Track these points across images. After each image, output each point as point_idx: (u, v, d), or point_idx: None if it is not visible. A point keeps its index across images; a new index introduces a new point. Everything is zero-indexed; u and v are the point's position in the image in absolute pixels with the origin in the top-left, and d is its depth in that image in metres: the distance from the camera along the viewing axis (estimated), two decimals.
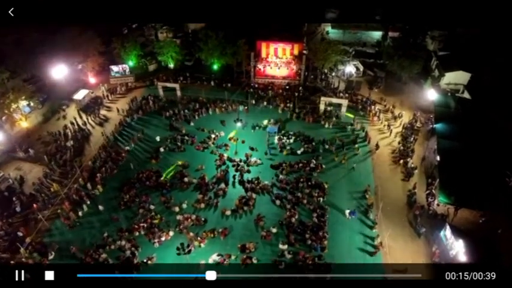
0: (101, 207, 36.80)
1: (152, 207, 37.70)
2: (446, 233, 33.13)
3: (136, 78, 57.94)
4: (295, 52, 59.68)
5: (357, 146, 45.27)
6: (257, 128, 48.43)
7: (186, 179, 40.70)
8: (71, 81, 54.26)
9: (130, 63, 59.33)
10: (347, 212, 37.66)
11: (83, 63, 55.22)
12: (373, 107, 51.16)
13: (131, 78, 57.19)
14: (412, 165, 41.67)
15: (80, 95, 51.50)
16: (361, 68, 58.83)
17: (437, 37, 63.01)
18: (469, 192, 35.58)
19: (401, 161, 42.85)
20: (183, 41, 66.09)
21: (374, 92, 55.37)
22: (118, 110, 50.65)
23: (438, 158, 38.80)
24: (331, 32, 71.29)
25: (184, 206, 37.79)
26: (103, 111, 51.68)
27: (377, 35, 70.66)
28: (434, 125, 44.39)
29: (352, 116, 49.90)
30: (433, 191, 38.57)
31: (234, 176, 41.39)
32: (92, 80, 57.00)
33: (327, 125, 48.88)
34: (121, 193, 38.98)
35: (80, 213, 36.40)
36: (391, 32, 66.81)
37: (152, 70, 60.53)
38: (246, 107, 51.31)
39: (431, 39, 63.39)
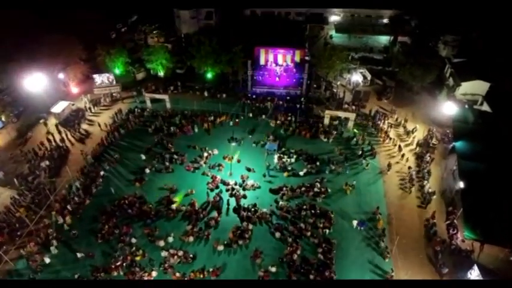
0: (79, 255, 31.69)
1: (134, 240, 33.37)
2: (474, 276, 28.70)
3: (122, 88, 53.60)
4: (297, 59, 55.61)
5: (365, 161, 40.99)
6: (254, 144, 44.06)
7: (173, 206, 36.35)
8: (51, 92, 49.84)
9: (117, 71, 55.08)
10: (355, 222, 34.34)
11: (64, 72, 50.82)
12: (383, 121, 46.75)
13: (117, 88, 52.84)
14: (430, 190, 37.25)
15: (59, 107, 47.12)
16: (369, 76, 54.50)
17: (450, 42, 58.75)
18: (497, 225, 31.30)
19: (417, 185, 38.45)
20: (175, 46, 61.90)
21: (383, 103, 51.04)
22: (100, 125, 46.20)
23: (461, 184, 34.34)
24: (335, 36, 67.01)
25: (171, 239, 33.42)
26: (84, 126, 47.33)
27: (384, 39, 66.39)
28: (454, 143, 40.01)
29: (357, 132, 45.45)
30: (455, 221, 34.17)
31: (228, 202, 36.97)
32: (74, 90, 52.66)
33: (326, 140, 44.59)
34: (99, 224, 34.58)
35: (47, 259, 31.49)
36: (400, 36, 62.56)
37: (140, 79, 56.11)
38: (237, 120, 46.90)
39: (443, 44, 59.17)
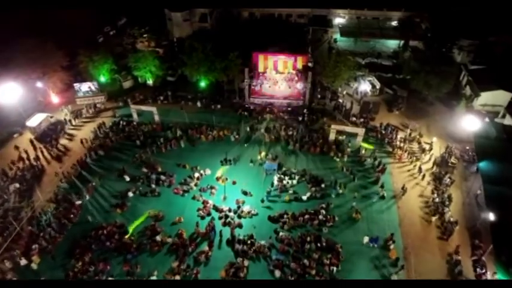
0: None
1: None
2: None
3: (108, 98, 49.56)
4: (299, 66, 51.53)
5: (379, 188, 36.71)
6: (251, 163, 39.91)
7: (158, 238, 32.21)
8: (27, 103, 45.75)
9: (102, 79, 50.95)
10: (366, 239, 31.69)
11: (42, 80, 46.70)
12: (395, 136, 42.65)
13: (101, 98, 48.80)
14: (452, 219, 33.06)
15: (35, 120, 43.06)
16: (378, 85, 50.37)
17: (466, 47, 54.66)
18: None
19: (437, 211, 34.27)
20: (166, 51, 57.95)
21: (394, 115, 46.93)
22: (82, 142, 42.03)
23: (490, 214, 30.20)
24: (339, 40, 62.94)
25: (154, 278, 29.19)
26: (63, 140, 43.21)
27: (393, 43, 62.28)
28: (478, 164, 35.93)
29: (370, 147, 41.32)
30: (483, 257, 29.95)
31: (220, 233, 32.77)
32: (54, 100, 48.59)
33: (338, 159, 40.30)
34: (71, 259, 30.43)
35: None
36: (411, 40, 58.46)
37: (128, 87, 51.98)
38: (237, 136, 42.80)
39: (458, 49, 55.01)
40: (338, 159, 40.13)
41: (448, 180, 36.84)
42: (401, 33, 61.09)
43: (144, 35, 59.29)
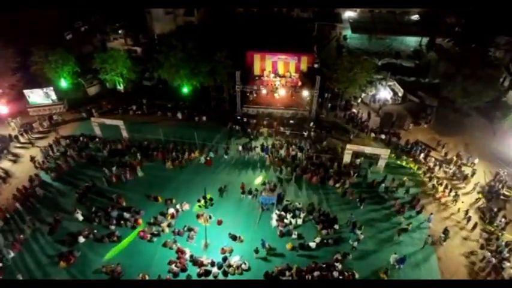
0: None
1: None
2: None
3: (69, 107, 41.30)
4: (303, 67, 43.34)
5: (404, 219, 28.69)
6: (243, 195, 31.48)
7: None
8: None
9: (64, 83, 42.52)
10: (392, 257, 26.00)
11: None
12: (425, 157, 34.34)
13: (60, 108, 40.53)
14: None
15: None
16: (401, 91, 42.07)
17: (504, 45, 46.46)
18: None
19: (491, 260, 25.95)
20: (145, 50, 49.73)
21: (421, 130, 38.66)
22: (33, 160, 33.63)
23: None
24: (350, 37, 54.79)
25: None
26: (5, 163, 34.79)
27: (413, 41, 54.16)
28: None
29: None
30: None
31: None
32: (2, 110, 40.21)
33: (338, 186, 31.87)
34: None
35: None
36: (437, 37, 50.29)
37: (94, 94, 43.65)
38: (208, 158, 34.44)
39: (494, 48, 46.73)
40: (339, 186, 31.82)
41: (503, 220, 28.40)
42: (423, 29, 52.86)
43: (119, 31, 50.99)
